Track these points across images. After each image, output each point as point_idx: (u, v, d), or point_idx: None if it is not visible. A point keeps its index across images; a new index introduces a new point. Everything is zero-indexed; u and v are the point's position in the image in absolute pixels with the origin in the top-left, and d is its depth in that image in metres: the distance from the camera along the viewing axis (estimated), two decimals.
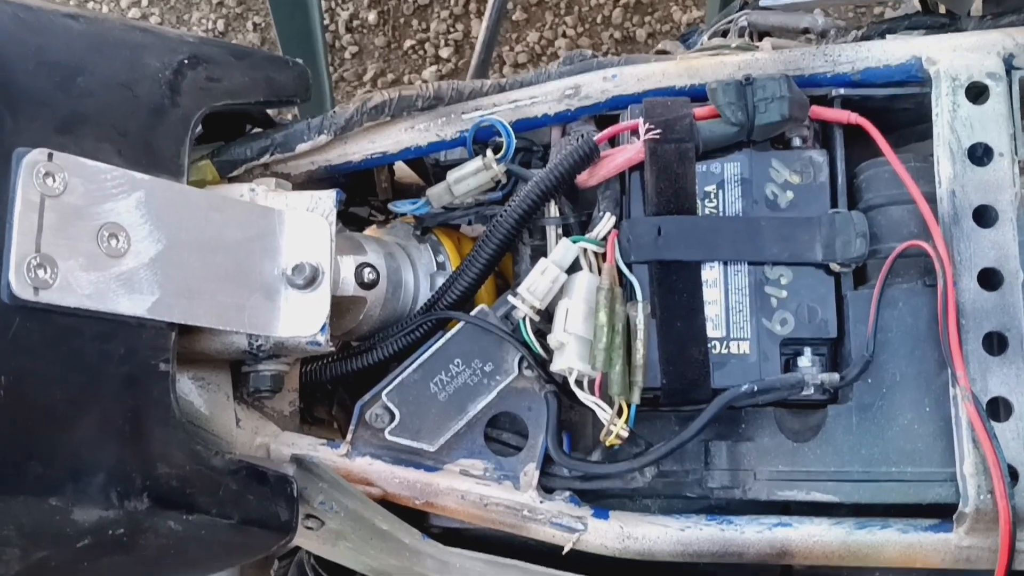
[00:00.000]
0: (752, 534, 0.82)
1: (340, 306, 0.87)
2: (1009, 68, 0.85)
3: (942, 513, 0.80)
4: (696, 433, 0.82)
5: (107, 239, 0.70)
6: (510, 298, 0.85)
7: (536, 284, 0.85)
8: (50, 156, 0.68)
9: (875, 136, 0.85)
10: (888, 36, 0.98)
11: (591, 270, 0.86)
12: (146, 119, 0.77)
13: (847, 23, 1.11)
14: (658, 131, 0.85)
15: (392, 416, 0.85)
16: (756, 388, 0.81)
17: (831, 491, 0.83)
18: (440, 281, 0.94)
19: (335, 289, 0.84)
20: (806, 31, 1.05)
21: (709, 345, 0.84)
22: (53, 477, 0.66)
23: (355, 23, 2.54)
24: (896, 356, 0.83)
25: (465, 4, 2.51)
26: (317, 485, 0.82)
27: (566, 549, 0.84)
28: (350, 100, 0.93)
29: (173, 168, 0.77)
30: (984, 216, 0.82)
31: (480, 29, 1.80)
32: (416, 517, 0.87)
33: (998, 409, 0.79)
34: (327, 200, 0.84)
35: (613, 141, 0.89)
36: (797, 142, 0.88)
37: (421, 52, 2.52)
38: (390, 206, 0.96)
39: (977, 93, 0.84)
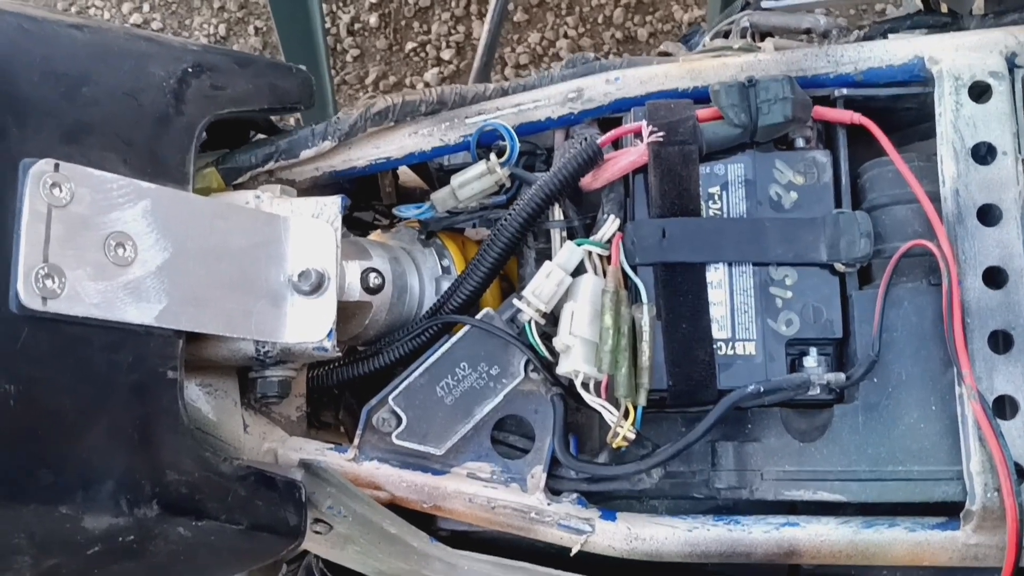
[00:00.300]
0: (759, 534, 0.82)
1: (346, 311, 0.87)
2: (1012, 67, 0.85)
3: (949, 511, 0.81)
4: (703, 434, 0.82)
5: (114, 248, 0.70)
6: (515, 301, 0.86)
7: (541, 287, 0.85)
8: (56, 166, 0.68)
9: (878, 136, 0.85)
10: (890, 36, 0.98)
11: (596, 273, 0.86)
12: (151, 128, 0.77)
13: (848, 22, 1.11)
14: (661, 133, 0.85)
15: (399, 420, 0.85)
16: (762, 388, 0.81)
17: (838, 490, 0.83)
18: (445, 285, 0.94)
19: (341, 294, 0.84)
20: (808, 31, 1.05)
21: (715, 346, 0.84)
22: (63, 485, 0.67)
23: (356, 26, 2.54)
24: (902, 355, 0.83)
25: (466, 6, 2.51)
26: (325, 490, 0.82)
27: (574, 551, 0.84)
28: (352, 103, 0.93)
29: (178, 176, 0.77)
30: (988, 215, 0.82)
31: (481, 31, 1.80)
32: (424, 520, 0.87)
33: (1004, 407, 0.79)
34: (332, 206, 0.84)
35: (616, 144, 0.90)
36: (800, 143, 0.88)
37: (423, 54, 2.52)
38: (395, 211, 0.96)
39: (980, 92, 0.84)
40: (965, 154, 0.83)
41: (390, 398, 0.85)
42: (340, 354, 0.84)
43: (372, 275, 0.88)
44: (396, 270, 0.92)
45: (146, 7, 2.59)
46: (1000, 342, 0.80)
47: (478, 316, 0.87)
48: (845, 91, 0.88)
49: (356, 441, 0.86)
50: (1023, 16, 0.97)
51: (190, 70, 0.81)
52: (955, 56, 0.86)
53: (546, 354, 0.85)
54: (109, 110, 0.75)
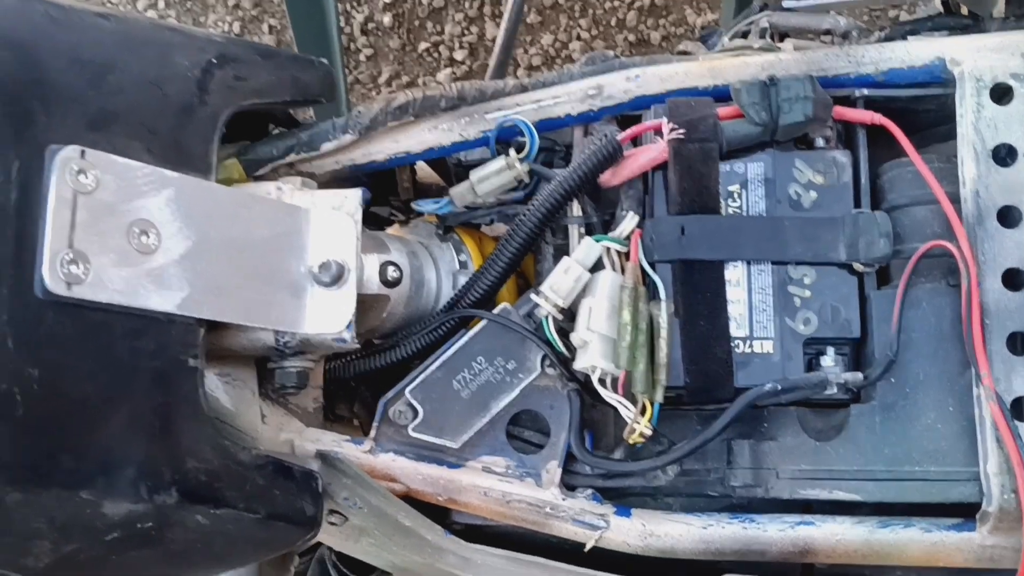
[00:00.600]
0: (774, 532, 0.82)
1: (364, 304, 0.87)
2: None
3: (965, 512, 0.81)
4: (719, 432, 0.82)
5: (138, 236, 0.71)
6: (533, 296, 0.86)
7: (559, 283, 0.85)
8: (83, 153, 0.68)
9: (898, 137, 0.85)
10: (911, 37, 0.98)
11: (614, 269, 0.86)
12: (175, 117, 0.78)
13: (864, 25, 1.11)
14: (682, 131, 0.85)
15: (415, 413, 0.85)
16: (779, 387, 0.81)
17: (854, 490, 0.83)
18: (462, 280, 0.95)
19: (359, 287, 0.84)
20: (828, 32, 1.05)
21: (732, 344, 0.84)
22: (85, 471, 0.67)
23: (370, 25, 2.55)
24: (919, 356, 0.83)
25: (480, 7, 2.52)
26: (341, 481, 0.82)
27: (588, 546, 0.84)
28: (365, 102, 0.93)
29: (202, 166, 0.78)
30: (1008, 217, 0.82)
31: (497, 32, 1.81)
32: (439, 513, 0.87)
33: (1022, 409, 0.79)
34: (353, 198, 0.85)
35: (636, 141, 0.90)
36: (820, 142, 0.88)
37: (436, 55, 2.53)
38: (413, 205, 0.96)
39: (1001, 94, 0.84)
40: (986, 156, 0.83)
41: (407, 391, 0.86)
42: (359, 346, 0.84)
43: (391, 268, 0.89)
44: (414, 264, 0.92)
45: (161, 4, 2.60)
46: (1019, 344, 0.80)
47: (495, 311, 0.87)
48: (866, 91, 0.88)
49: (372, 433, 0.86)
50: None
51: (214, 60, 0.81)
52: (977, 57, 0.86)
53: (563, 350, 0.86)
54: (134, 99, 0.75)
